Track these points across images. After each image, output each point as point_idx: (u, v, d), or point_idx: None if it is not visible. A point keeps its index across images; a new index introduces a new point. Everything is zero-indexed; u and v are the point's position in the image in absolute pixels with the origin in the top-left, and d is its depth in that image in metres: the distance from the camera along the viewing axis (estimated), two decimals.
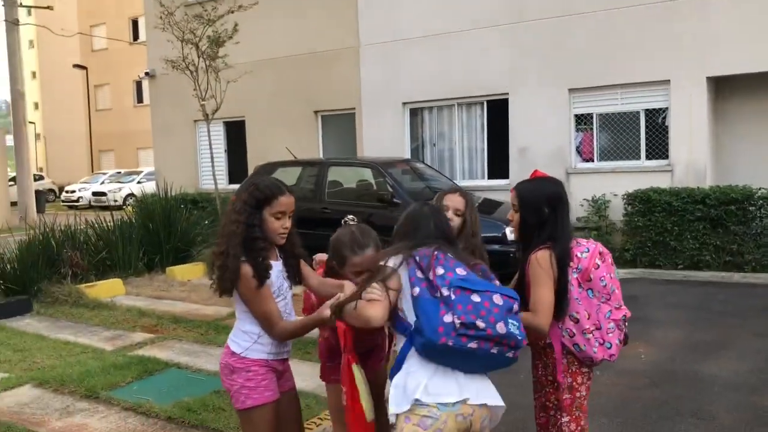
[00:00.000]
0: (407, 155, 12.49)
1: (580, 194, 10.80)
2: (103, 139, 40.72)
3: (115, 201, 27.21)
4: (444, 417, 2.34)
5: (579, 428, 2.81)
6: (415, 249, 2.54)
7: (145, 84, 21.33)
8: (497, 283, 2.54)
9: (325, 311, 2.62)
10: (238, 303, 2.84)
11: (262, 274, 2.70)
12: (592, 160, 11.25)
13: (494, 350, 2.35)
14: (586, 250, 2.80)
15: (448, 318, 2.32)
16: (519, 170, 11.28)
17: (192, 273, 9.88)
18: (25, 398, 5.06)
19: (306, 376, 4.71)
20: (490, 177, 12.07)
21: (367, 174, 10.20)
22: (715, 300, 7.96)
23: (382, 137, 12.84)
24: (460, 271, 2.44)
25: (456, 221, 3.27)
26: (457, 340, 2.30)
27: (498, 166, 11.93)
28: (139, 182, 27.94)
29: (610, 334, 2.75)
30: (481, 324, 2.30)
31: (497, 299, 2.36)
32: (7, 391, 5.20)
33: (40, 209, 22.35)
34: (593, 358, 2.75)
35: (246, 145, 14.68)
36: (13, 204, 21.08)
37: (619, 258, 10.26)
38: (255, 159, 13.22)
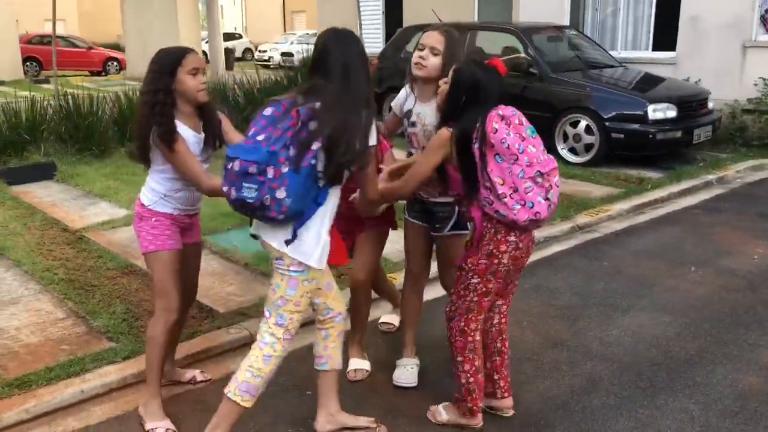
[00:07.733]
0: (566, 22, 11.55)
1: (755, 72, 9.37)
2: None
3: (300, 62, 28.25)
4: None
5: (486, 290, 2.90)
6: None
7: None
8: (274, 146, 2.47)
9: None
10: (154, 162, 3.01)
11: (165, 137, 2.83)
12: None
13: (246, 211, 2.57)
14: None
15: None
16: (688, 42, 10.02)
17: None
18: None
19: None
20: (654, 48, 10.84)
21: (510, 41, 9.62)
22: None
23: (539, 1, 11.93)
24: (251, 135, 2.54)
25: (433, 61, 3.16)
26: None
27: (666, 36, 10.69)
28: None
29: (530, 194, 2.70)
30: (225, 189, 2.54)
31: (234, 166, 2.48)
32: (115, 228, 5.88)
33: (228, 67, 23.94)
34: (516, 220, 2.73)
35: (402, 8, 14.39)
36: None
37: None
38: (411, 21, 12.95)
